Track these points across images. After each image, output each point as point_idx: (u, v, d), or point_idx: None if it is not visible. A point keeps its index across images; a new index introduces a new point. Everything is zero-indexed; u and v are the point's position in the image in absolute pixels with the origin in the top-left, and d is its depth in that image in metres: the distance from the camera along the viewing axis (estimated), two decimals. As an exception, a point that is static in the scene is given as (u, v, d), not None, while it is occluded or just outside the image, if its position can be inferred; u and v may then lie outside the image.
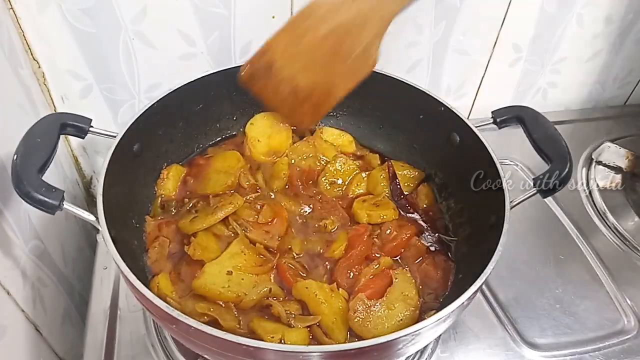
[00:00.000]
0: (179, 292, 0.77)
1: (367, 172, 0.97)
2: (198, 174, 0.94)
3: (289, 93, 0.88)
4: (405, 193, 0.94)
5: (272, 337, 0.70)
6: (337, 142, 1.01)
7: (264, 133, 0.98)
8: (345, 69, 0.85)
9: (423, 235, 0.89)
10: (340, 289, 0.78)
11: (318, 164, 0.97)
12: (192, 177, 0.93)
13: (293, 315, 0.75)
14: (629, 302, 0.95)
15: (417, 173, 0.97)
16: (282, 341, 0.70)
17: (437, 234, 0.90)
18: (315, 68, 0.85)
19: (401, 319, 0.75)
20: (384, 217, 0.89)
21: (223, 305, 0.75)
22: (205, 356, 0.70)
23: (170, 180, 0.91)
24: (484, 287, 0.94)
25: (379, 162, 1.00)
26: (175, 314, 0.59)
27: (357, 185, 0.95)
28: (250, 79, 0.88)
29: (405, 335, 0.60)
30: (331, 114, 1.02)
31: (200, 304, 0.74)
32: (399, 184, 0.93)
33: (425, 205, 0.94)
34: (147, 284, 0.77)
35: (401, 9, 0.81)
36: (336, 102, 0.90)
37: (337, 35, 0.82)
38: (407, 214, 0.92)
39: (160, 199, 0.90)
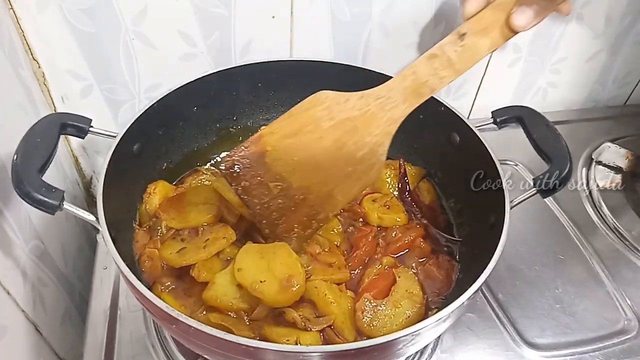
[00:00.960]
0: (187, 306, 0.76)
1: None
2: (173, 205, 0.86)
3: (279, 194, 0.73)
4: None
5: (288, 340, 0.69)
6: None
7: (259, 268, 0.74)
8: (349, 170, 0.72)
9: (427, 237, 0.89)
10: (348, 290, 0.78)
11: None
12: (166, 212, 0.84)
13: (308, 319, 0.73)
14: (628, 301, 0.94)
15: (418, 170, 0.98)
16: (298, 343, 0.69)
17: (441, 236, 0.89)
18: (313, 166, 0.72)
19: (409, 316, 0.75)
20: (398, 220, 0.89)
21: (234, 316, 0.74)
22: (205, 356, 0.70)
23: (156, 196, 0.87)
24: (483, 287, 0.94)
25: None
26: (175, 314, 0.59)
27: None
28: (234, 170, 0.72)
29: (405, 336, 0.60)
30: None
31: (213, 315, 0.73)
32: (407, 181, 0.93)
33: (428, 202, 0.94)
34: (147, 284, 0.77)
35: (410, 110, 0.72)
36: (333, 214, 0.77)
37: (342, 130, 0.71)
38: (411, 212, 0.91)
39: (146, 211, 0.86)
